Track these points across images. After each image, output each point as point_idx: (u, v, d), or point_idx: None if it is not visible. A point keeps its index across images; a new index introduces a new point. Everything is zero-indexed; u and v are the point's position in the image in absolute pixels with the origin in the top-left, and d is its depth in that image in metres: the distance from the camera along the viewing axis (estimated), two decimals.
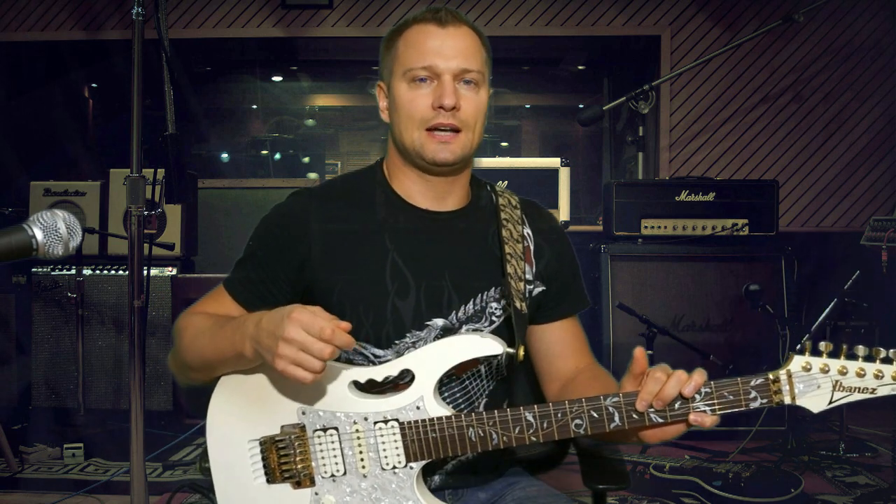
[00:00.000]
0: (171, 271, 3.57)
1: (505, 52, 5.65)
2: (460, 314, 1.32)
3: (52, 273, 3.60)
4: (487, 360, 1.33)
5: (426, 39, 1.28)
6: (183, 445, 3.22)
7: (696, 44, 5.02)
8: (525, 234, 1.39)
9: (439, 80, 1.27)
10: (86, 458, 3.19)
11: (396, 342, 1.28)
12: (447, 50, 1.27)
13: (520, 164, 3.30)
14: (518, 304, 1.30)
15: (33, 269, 3.62)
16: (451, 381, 1.33)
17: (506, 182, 3.16)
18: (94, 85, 6.47)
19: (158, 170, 2.22)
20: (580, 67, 6.44)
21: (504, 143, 7.99)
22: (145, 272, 2.19)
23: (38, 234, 0.99)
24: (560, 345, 1.41)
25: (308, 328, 1.08)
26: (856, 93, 4.97)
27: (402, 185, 1.36)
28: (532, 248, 1.39)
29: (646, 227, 3.45)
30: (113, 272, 3.58)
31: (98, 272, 3.57)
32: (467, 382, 1.34)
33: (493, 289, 1.34)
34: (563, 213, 3.22)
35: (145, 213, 2.09)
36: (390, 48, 1.34)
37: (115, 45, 5.08)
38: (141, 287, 2.10)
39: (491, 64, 1.36)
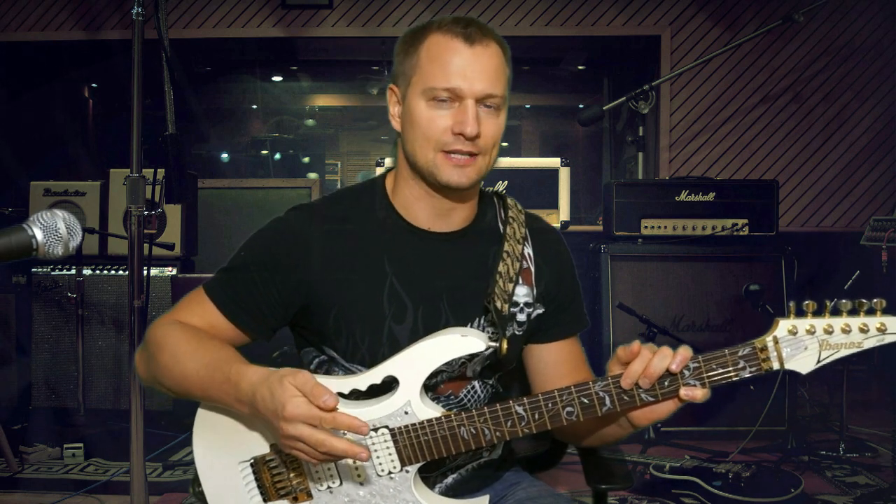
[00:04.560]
0: (171, 271, 3.56)
1: None
2: None
3: (52, 273, 3.60)
4: (486, 364, 1.32)
5: (451, 57, 1.21)
6: (183, 445, 3.22)
7: (696, 44, 5.03)
8: (526, 254, 1.35)
9: (461, 103, 1.21)
10: (86, 458, 3.19)
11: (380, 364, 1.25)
12: (472, 72, 1.20)
13: (520, 164, 3.29)
14: (499, 305, 1.28)
15: (33, 269, 3.62)
16: (450, 399, 1.32)
17: (506, 182, 3.16)
18: (94, 85, 6.48)
19: (158, 170, 2.22)
20: (580, 67, 6.44)
21: (504, 143, 7.97)
22: (145, 272, 2.19)
23: (38, 234, 0.99)
24: (557, 365, 1.39)
25: (308, 420, 1.07)
26: (856, 93, 4.98)
27: (406, 202, 1.31)
28: (533, 269, 1.35)
29: (646, 227, 3.45)
30: (113, 272, 3.58)
31: (98, 272, 3.57)
32: (465, 399, 1.33)
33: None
34: (563, 213, 3.22)
35: (145, 213, 2.09)
36: (410, 54, 1.26)
37: (115, 45, 5.08)
38: (141, 287, 2.10)
39: (511, 78, 1.30)
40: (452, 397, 1.32)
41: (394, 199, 1.34)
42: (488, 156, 1.26)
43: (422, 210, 1.31)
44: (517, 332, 1.33)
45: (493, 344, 1.22)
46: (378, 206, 1.34)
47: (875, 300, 1.09)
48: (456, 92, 1.21)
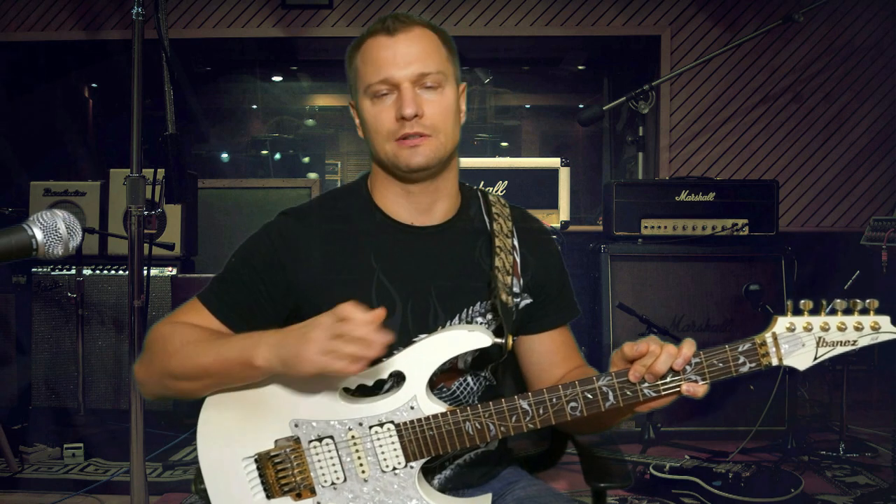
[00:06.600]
0: (171, 271, 3.57)
1: (505, 52, 5.66)
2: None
3: (52, 273, 3.60)
4: (476, 355, 1.32)
5: (378, 52, 1.27)
6: (183, 445, 3.21)
7: (696, 44, 5.02)
8: (513, 245, 1.38)
9: (399, 90, 1.26)
10: (86, 458, 3.19)
11: (383, 360, 1.26)
12: (400, 58, 1.26)
13: (520, 164, 3.29)
14: (504, 298, 1.30)
15: (33, 269, 3.62)
16: (442, 392, 1.33)
17: (506, 182, 3.16)
18: (94, 85, 6.48)
19: (158, 170, 2.22)
20: (580, 67, 6.44)
21: (504, 143, 7.99)
22: (145, 272, 2.19)
23: (38, 234, 0.99)
24: (550, 354, 1.41)
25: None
26: (856, 93, 4.97)
27: (387, 201, 1.35)
28: (519, 261, 1.38)
29: (646, 227, 3.45)
30: (113, 272, 3.58)
31: (98, 272, 3.57)
32: (458, 392, 1.34)
33: (480, 303, 1.33)
34: (563, 213, 3.22)
35: (145, 213, 2.09)
36: (351, 66, 1.34)
37: (115, 45, 5.08)
38: (141, 287, 2.10)
39: (457, 59, 1.34)
40: (445, 390, 1.33)
41: (377, 199, 1.37)
42: (442, 134, 1.29)
43: (403, 207, 1.35)
44: None
45: (498, 340, 1.24)
46: (362, 205, 1.37)
47: (868, 300, 1.12)
48: (390, 81, 1.26)
